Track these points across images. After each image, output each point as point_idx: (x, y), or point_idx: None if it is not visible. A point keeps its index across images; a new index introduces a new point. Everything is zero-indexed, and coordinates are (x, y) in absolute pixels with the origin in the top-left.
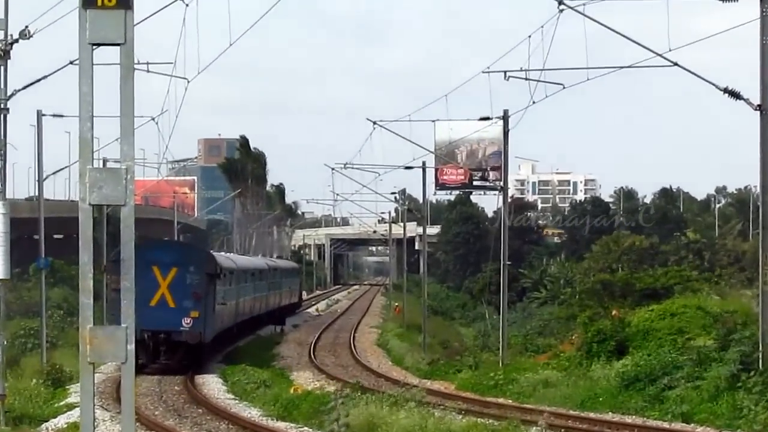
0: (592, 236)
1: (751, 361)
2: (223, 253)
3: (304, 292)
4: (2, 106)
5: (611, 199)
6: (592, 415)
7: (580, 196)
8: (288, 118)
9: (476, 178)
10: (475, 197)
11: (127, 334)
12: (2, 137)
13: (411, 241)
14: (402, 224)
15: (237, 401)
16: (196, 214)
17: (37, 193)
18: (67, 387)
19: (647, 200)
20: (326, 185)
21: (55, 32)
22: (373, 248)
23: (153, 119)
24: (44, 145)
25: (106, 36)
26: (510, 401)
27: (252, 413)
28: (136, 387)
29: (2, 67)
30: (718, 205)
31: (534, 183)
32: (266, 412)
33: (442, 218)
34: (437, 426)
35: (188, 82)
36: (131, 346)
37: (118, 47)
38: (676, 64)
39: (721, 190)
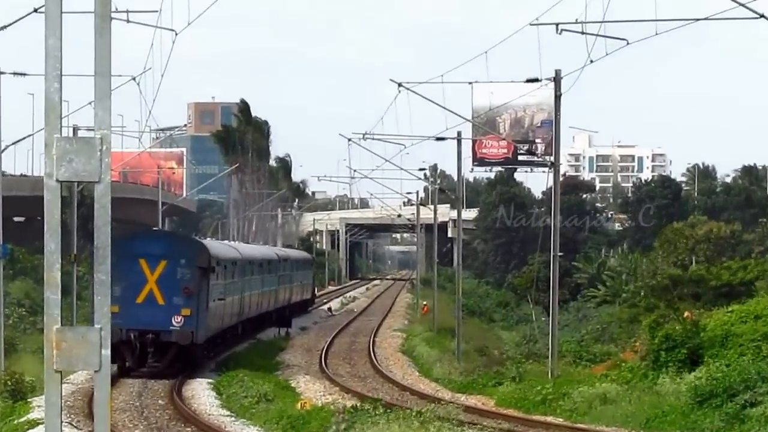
0: (661, 223)
1: None
2: (227, 242)
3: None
4: None
5: (683, 179)
6: None
7: (646, 175)
8: (296, 80)
9: (521, 151)
10: (520, 175)
11: (101, 336)
12: None
13: (443, 227)
14: (432, 207)
15: (233, 418)
16: (184, 194)
17: None
18: (29, 400)
19: (727, 180)
20: (341, 160)
21: None
22: (397, 236)
23: (134, 79)
24: (3, 110)
25: None
26: (560, 420)
27: None
28: (112, 400)
29: None
30: None
31: (591, 158)
32: None
33: (480, 200)
34: None
35: (176, 34)
36: (106, 352)
37: None
38: (762, 15)
39: None
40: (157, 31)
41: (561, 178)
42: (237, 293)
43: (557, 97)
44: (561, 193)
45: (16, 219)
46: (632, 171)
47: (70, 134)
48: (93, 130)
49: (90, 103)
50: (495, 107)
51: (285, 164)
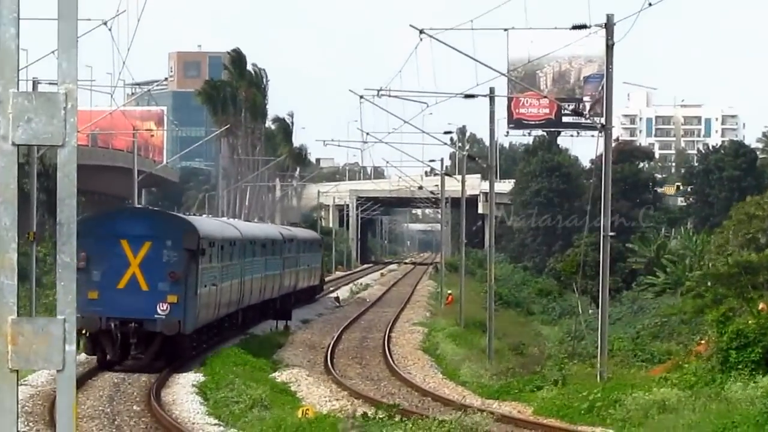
0: (732, 197)
1: None
2: (225, 219)
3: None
4: None
5: (759, 145)
6: None
7: (715, 140)
8: (298, 28)
9: (566, 111)
10: (565, 140)
11: (65, 329)
12: None
13: (472, 201)
14: (460, 177)
15: (222, 428)
16: (164, 160)
17: None
18: None
19: None
20: (351, 121)
21: None
22: (418, 211)
23: (105, 24)
24: None
25: None
26: (611, 431)
27: None
28: (78, 405)
29: None
30: None
31: (649, 120)
32: None
33: (516, 170)
34: None
35: None
36: (71, 348)
37: None
38: None
39: None
40: None
41: (613, 144)
42: (236, 277)
43: (609, 47)
44: (613, 162)
45: None
46: (698, 135)
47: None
48: (56, 84)
49: (53, 53)
50: (535, 59)
51: (285, 126)
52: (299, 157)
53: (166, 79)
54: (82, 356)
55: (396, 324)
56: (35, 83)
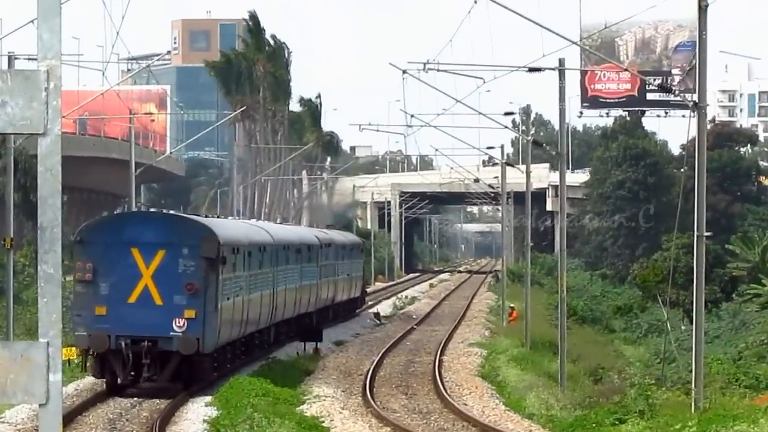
0: None
1: None
2: (253, 221)
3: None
4: None
5: None
6: None
7: None
8: None
9: (651, 87)
10: (650, 121)
11: (49, 355)
12: None
13: (540, 196)
14: (524, 167)
15: None
16: (168, 150)
17: None
18: None
19: None
20: (393, 101)
21: None
22: (474, 209)
23: None
24: None
25: None
26: None
27: None
28: None
29: None
30: None
31: (751, 96)
32: None
33: (593, 157)
34: None
35: None
36: (56, 377)
37: None
38: None
39: None
40: None
41: (708, 126)
42: (266, 288)
43: (702, 9)
44: (709, 147)
45: None
46: None
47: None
48: (36, 60)
49: (32, 22)
50: (613, 25)
51: (312, 108)
52: (330, 144)
53: (168, 52)
54: (90, 379)
55: (448, 345)
56: (11, 59)
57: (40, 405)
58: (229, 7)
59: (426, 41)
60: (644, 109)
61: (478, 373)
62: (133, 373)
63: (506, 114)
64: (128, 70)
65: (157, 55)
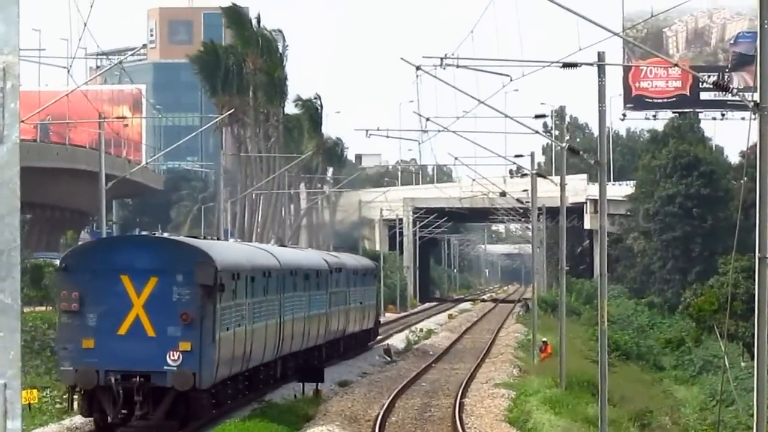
0: None
1: None
2: (257, 245)
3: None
4: None
5: None
6: None
7: None
8: None
9: (706, 85)
10: (705, 124)
11: (5, 398)
12: None
13: (576, 211)
14: (558, 179)
15: None
16: (144, 160)
17: None
18: None
19: None
20: (405, 102)
21: None
22: (500, 227)
23: None
24: None
25: None
26: None
27: None
28: None
29: None
30: None
31: None
32: None
33: (639, 166)
34: None
35: None
36: (15, 424)
37: None
38: None
39: None
40: None
41: None
42: (272, 317)
43: None
44: None
45: None
46: None
47: None
48: None
49: None
50: (661, 13)
51: (311, 110)
52: (332, 153)
53: (144, 46)
54: (78, 418)
55: (470, 386)
56: None
57: None
58: None
59: (444, 33)
60: (697, 110)
61: (505, 418)
62: (124, 411)
63: (537, 117)
64: (97, 67)
65: (132, 49)
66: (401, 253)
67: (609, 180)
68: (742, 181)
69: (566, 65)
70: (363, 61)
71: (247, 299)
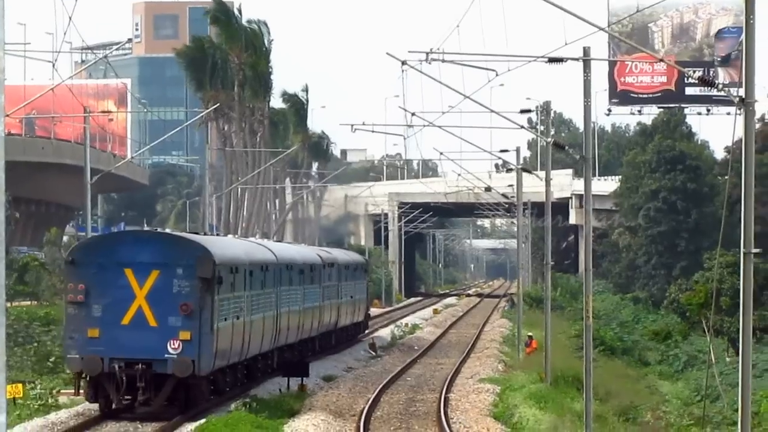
0: None
1: None
2: (254, 239)
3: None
4: None
5: None
6: None
7: None
8: None
9: (691, 80)
10: (690, 119)
11: None
12: None
13: (561, 207)
14: (543, 174)
15: None
16: (129, 155)
17: None
18: None
19: None
20: (390, 98)
21: None
22: (485, 222)
23: None
24: None
25: None
26: None
27: None
28: None
29: None
30: None
31: None
32: None
33: (623, 162)
34: None
35: None
36: (1, 419)
37: None
38: None
39: None
40: None
41: (758, 125)
42: (269, 309)
43: None
44: (758, 150)
45: None
46: None
47: None
48: None
49: None
50: (646, 7)
51: (297, 105)
52: (318, 147)
53: (129, 40)
54: (84, 404)
55: (456, 381)
56: None
57: None
58: None
59: (429, 27)
60: (683, 105)
61: (490, 413)
62: (128, 397)
63: (522, 112)
64: (83, 61)
65: (117, 43)
66: (386, 248)
67: (594, 175)
68: (727, 177)
69: (551, 60)
70: (348, 56)
71: (246, 292)
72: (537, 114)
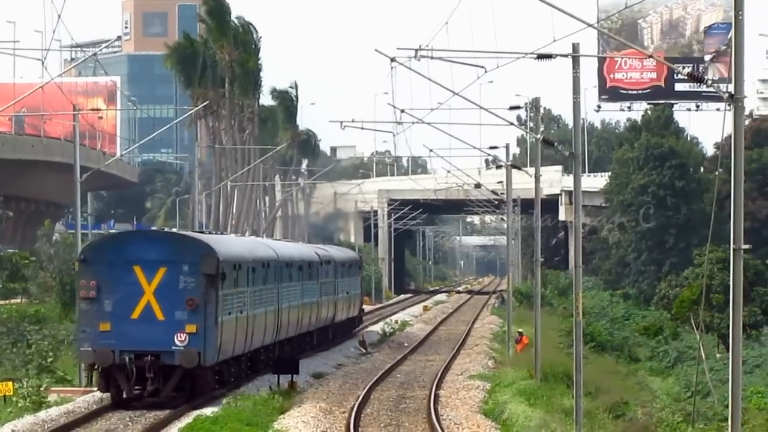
0: None
1: None
2: (255, 238)
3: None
4: None
5: None
6: None
7: None
8: None
9: (681, 76)
10: (679, 115)
11: None
12: None
13: (551, 203)
14: (532, 170)
15: None
16: (118, 152)
17: None
18: None
19: None
20: (380, 94)
21: None
22: (475, 219)
23: None
24: None
25: None
26: None
27: None
28: None
29: None
30: None
31: None
32: None
33: (613, 158)
34: None
35: None
36: None
37: None
38: None
39: None
40: None
41: (747, 121)
42: (271, 304)
43: None
44: (747, 146)
45: None
46: None
47: None
48: None
49: None
50: (635, 4)
51: (286, 102)
52: (307, 145)
53: (118, 38)
54: (53, 410)
55: (446, 377)
56: None
57: None
58: None
59: (418, 24)
60: (672, 101)
61: (480, 409)
62: (138, 387)
63: (511, 108)
64: (72, 59)
65: (106, 41)
66: (376, 245)
67: (584, 172)
68: (716, 173)
69: (541, 57)
70: (337, 53)
71: (248, 288)
72: (526, 110)
